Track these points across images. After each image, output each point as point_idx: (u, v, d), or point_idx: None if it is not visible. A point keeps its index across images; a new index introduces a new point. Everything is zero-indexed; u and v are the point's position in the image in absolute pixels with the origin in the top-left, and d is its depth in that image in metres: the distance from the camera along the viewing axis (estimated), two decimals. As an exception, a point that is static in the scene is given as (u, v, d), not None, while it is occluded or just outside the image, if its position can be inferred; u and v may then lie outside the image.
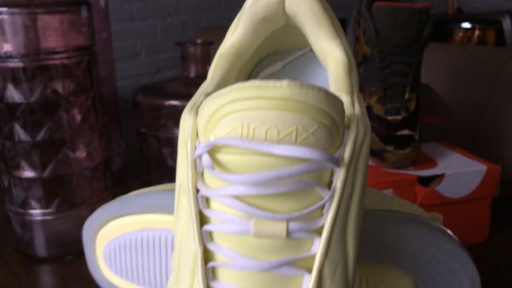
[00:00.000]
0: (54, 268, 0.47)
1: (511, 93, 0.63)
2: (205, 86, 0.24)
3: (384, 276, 0.30)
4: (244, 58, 0.25)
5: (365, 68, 0.49)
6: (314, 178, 0.19)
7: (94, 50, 0.48)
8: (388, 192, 0.44)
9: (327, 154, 0.18)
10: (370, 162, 0.49)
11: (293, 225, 0.19)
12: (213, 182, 0.20)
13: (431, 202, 0.45)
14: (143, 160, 0.60)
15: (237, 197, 0.19)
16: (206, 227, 0.20)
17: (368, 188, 0.34)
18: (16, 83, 0.43)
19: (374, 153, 0.47)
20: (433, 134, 0.54)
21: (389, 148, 0.46)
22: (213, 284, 0.21)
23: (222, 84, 0.24)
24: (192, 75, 0.58)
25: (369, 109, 0.48)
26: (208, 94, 0.23)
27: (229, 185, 0.19)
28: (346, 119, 0.20)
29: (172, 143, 0.55)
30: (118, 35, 1.49)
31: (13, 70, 0.43)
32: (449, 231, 0.31)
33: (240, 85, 0.18)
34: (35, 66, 0.43)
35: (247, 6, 0.25)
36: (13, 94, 0.44)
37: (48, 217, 0.47)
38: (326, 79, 0.27)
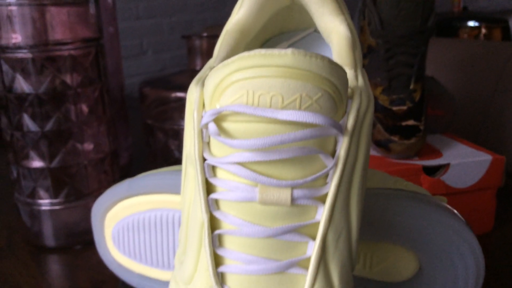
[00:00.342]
0: (62, 258, 0.47)
1: (517, 86, 0.63)
2: (211, 62, 0.24)
3: (388, 253, 0.31)
4: (249, 36, 0.25)
5: (370, 59, 0.49)
6: (317, 145, 0.19)
7: (101, 42, 0.49)
8: (393, 181, 0.44)
9: (330, 119, 0.18)
10: (375, 153, 0.49)
11: (297, 192, 0.20)
12: (219, 151, 0.20)
13: (436, 192, 0.45)
14: (149, 153, 0.60)
15: (243, 164, 0.19)
16: (213, 196, 0.21)
17: (373, 170, 0.35)
18: (25, 74, 0.44)
19: (379, 143, 0.47)
20: (438, 126, 0.55)
21: (394, 138, 0.46)
22: (219, 251, 0.21)
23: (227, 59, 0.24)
24: (198, 68, 0.59)
25: (374, 100, 0.49)
26: None
27: (235, 152, 0.19)
28: (349, 90, 0.21)
29: (178, 136, 0.56)
30: (125, 33, 1.50)
31: (22, 60, 0.44)
32: (454, 210, 0.31)
33: (245, 54, 0.18)
34: (44, 57, 0.44)
35: None
36: (22, 85, 0.44)
37: (56, 207, 0.47)
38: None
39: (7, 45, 0.43)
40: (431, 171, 0.46)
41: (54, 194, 0.47)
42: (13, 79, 0.45)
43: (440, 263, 0.31)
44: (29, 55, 0.44)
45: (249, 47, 0.27)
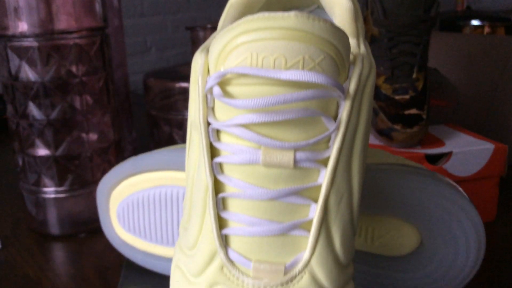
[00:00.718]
0: (66, 245, 0.48)
1: (520, 80, 0.63)
2: (215, 35, 0.24)
3: (389, 227, 0.31)
4: (253, 11, 0.26)
5: (373, 49, 0.50)
6: (320, 107, 0.20)
7: (106, 32, 0.49)
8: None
9: (332, 80, 0.18)
10: (377, 142, 0.49)
11: (300, 155, 0.20)
12: (223, 115, 0.20)
13: (438, 180, 0.46)
14: (154, 145, 0.61)
15: (246, 126, 0.20)
16: (217, 159, 0.21)
17: (375, 149, 0.35)
18: (31, 62, 0.44)
19: (381, 132, 0.47)
20: (441, 117, 0.55)
21: (397, 127, 0.46)
22: (223, 214, 0.21)
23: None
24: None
25: (377, 89, 0.49)
26: None
27: (238, 114, 0.20)
28: (351, 56, 0.21)
29: (183, 126, 0.56)
30: (129, 30, 1.51)
31: (28, 49, 0.44)
32: (456, 185, 0.32)
33: (249, 17, 0.18)
34: (49, 46, 0.44)
35: None
36: (28, 73, 0.45)
37: (61, 195, 0.48)
38: None
39: (13, 34, 0.44)
40: (433, 159, 0.47)
41: (59, 182, 0.48)
42: (19, 68, 0.45)
43: (441, 237, 0.31)
44: (35, 44, 0.44)
45: None
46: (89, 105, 0.47)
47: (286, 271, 0.21)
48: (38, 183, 0.48)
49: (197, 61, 0.21)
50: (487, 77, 0.66)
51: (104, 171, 0.50)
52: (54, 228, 0.49)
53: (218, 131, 0.21)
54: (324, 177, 0.21)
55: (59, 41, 0.45)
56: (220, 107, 0.20)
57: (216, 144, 0.21)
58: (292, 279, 0.21)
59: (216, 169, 0.21)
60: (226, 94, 0.20)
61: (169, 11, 1.60)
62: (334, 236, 0.22)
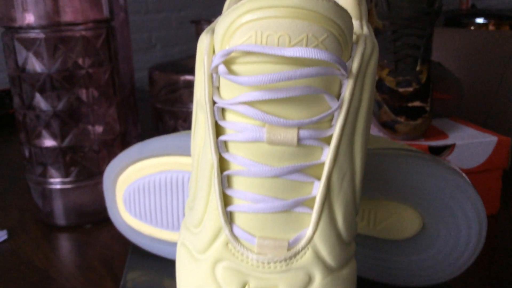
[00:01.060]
0: (72, 236, 0.48)
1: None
2: (220, 18, 0.25)
3: (391, 211, 0.31)
4: None
5: (376, 41, 0.50)
6: (323, 85, 0.20)
7: (112, 25, 0.50)
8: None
9: (336, 57, 0.19)
10: (381, 134, 0.49)
11: (303, 133, 0.20)
12: (228, 94, 0.21)
13: (442, 172, 0.46)
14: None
15: (251, 104, 0.20)
16: (222, 138, 0.21)
17: (377, 136, 0.35)
18: (38, 54, 0.45)
19: (385, 124, 0.48)
20: (445, 111, 0.55)
21: (400, 119, 0.46)
22: (228, 191, 0.22)
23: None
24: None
25: (380, 81, 0.49)
26: None
27: (243, 92, 0.20)
28: (354, 36, 0.21)
29: (188, 118, 0.56)
30: (134, 27, 1.51)
31: (34, 41, 0.45)
32: (457, 168, 0.32)
33: None
34: (56, 37, 0.45)
35: None
36: (35, 65, 0.45)
37: (67, 186, 0.48)
38: None
39: (20, 26, 0.44)
40: (436, 152, 0.47)
41: (65, 174, 0.48)
42: (26, 60, 0.45)
43: (443, 221, 0.32)
44: (41, 36, 0.44)
45: None
46: (95, 97, 0.48)
47: (290, 247, 0.22)
48: (45, 174, 0.48)
49: (203, 41, 0.22)
50: (491, 72, 0.66)
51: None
52: (60, 219, 0.49)
53: (223, 110, 0.22)
54: (327, 155, 0.21)
55: (66, 33, 0.45)
56: (225, 85, 0.21)
57: (221, 123, 0.21)
58: (295, 255, 0.22)
59: (221, 148, 0.22)
60: (231, 72, 0.20)
61: (174, 8, 1.61)
62: (336, 213, 0.22)
